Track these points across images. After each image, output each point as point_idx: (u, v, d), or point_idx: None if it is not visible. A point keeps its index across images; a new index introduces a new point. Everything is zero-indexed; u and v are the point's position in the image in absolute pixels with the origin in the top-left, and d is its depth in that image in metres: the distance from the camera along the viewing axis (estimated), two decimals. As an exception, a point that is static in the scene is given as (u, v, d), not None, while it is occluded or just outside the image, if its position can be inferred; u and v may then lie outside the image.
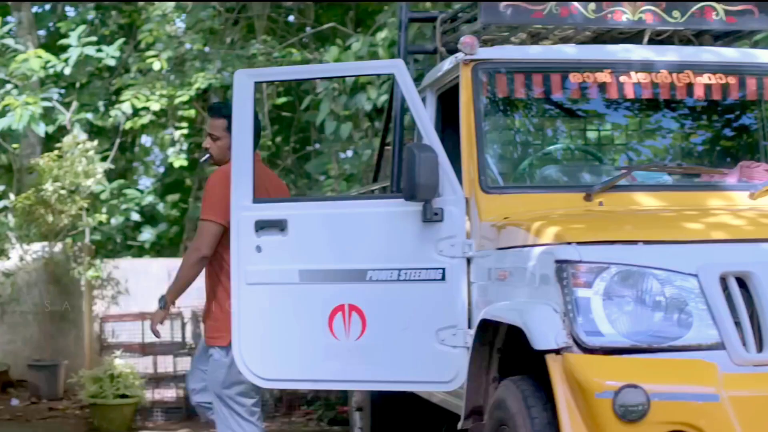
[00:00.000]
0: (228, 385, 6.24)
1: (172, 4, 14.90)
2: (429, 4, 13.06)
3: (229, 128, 6.24)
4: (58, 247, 12.29)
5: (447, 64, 6.56)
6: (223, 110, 6.36)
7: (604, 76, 6.34)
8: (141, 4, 15.37)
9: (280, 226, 6.12)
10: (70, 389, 11.71)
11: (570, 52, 6.48)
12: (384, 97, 12.26)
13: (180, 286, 6.29)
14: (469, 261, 5.88)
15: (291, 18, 17.44)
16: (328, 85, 13.10)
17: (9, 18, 17.15)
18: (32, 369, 11.88)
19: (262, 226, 6.13)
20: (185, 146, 16.10)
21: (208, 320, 6.36)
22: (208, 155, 6.47)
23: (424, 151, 5.77)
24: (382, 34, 12.61)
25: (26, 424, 10.38)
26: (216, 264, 6.28)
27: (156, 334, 6.31)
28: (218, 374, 6.25)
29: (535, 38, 6.74)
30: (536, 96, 6.42)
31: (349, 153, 15.24)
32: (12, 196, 14.24)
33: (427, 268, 5.92)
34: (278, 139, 17.06)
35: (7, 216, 14.75)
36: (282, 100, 16.49)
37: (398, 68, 6.15)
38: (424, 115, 6.06)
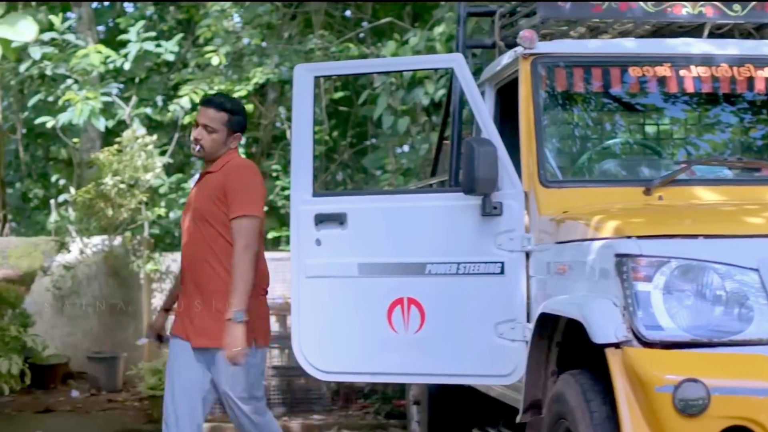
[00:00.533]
0: (254, 386, 5.74)
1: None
2: (486, -1, 13.04)
3: (229, 123, 5.78)
4: (118, 240, 12.39)
5: (506, 58, 6.56)
6: (226, 104, 5.83)
7: (663, 70, 6.32)
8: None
9: (339, 219, 6.16)
10: (129, 381, 11.81)
11: (629, 46, 6.47)
12: (441, 92, 12.26)
13: (246, 290, 5.52)
14: (527, 255, 5.89)
15: (348, 13, 17.47)
16: (385, 80, 13.12)
17: (69, 14, 17.32)
18: (92, 361, 12.00)
19: (321, 219, 6.18)
20: (243, 141, 16.17)
21: (209, 316, 5.65)
22: (198, 147, 5.78)
23: (484, 145, 5.79)
24: (439, 29, 12.60)
25: (86, 416, 10.48)
26: (219, 250, 5.66)
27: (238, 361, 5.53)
28: (246, 375, 5.68)
29: (594, 32, 6.73)
30: (595, 90, 6.41)
31: (406, 148, 15.25)
32: (72, 190, 14.39)
33: (486, 262, 5.93)
34: (335, 133, 17.10)
35: (68, 210, 14.92)
36: (339, 94, 16.51)
37: (457, 62, 6.16)
38: (483, 109, 6.07)
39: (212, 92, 14.32)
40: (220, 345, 5.51)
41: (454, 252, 5.99)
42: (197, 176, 5.97)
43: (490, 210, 5.88)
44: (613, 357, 4.69)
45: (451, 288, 5.99)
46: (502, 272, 5.91)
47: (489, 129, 5.98)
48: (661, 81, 6.33)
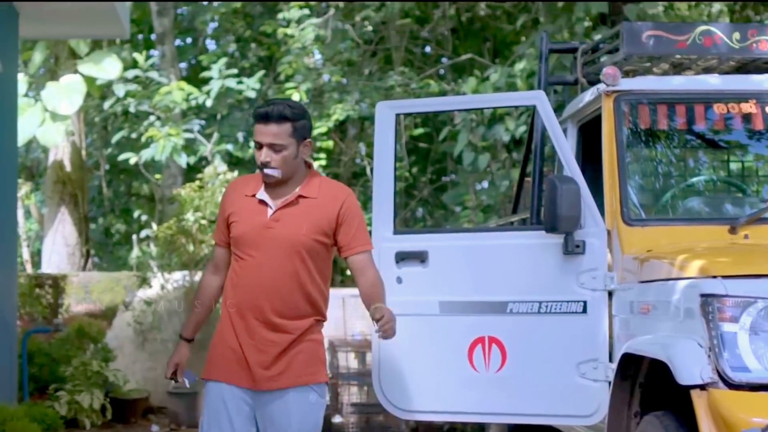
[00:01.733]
0: (320, 426, 5.11)
1: (311, 36, 15.06)
2: (567, 35, 13.01)
3: (297, 133, 4.93)
4: (198, 275, 12.46)
5: (588, 95, 6.51)
6: (286, 112, 4.92)
7: (748, 107, 6.23)
8: (280, 37, 15.56)
9: (420, 257, 6.13)
10: (209, 416, 11.82)
11: (713, 82, 6.39)
12: (522, 128, 12.23)
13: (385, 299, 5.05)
14: (610, 294, 5.82)
15: (428, 49, 17.52)
16: (466, 116, 13.12)
17: (153, 51, 17.57)
18: (172, 396, 12.04)
19: (402, 257, 6.15)
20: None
21: (295, 354, 4.99)
22: (270, 171, 4.93)
23: (566, 182, 5.75)
24: (520, 65, 12.60)
25: (166, 450, 10.52)
26: (312, 286, 5.00)
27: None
28: (316, 417, 5.05)
29: (678, 68, 6.66)
30: (679, 127, 6.34)
31: (486, 184, 15.23)
32: (154, 226, 14.51)
33: (568, 301, 5.88)
34: (415, 169, 17.12)
35: (149, 245, 15.04)
36: (419, 131, 16.55)
37: (540, 99, 6.13)
38: (565, 147, 6.03)
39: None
40: (310, 381, 4.99)
41: (536, 291, 5.94)
42: (266, 192, 5.01)
43: (573, 248, 5.82)
44: (698, 399, 4.62)
45: (533, 327, 5.94)
46: (584, 311, 5.85)
47: (571, 166, 5.94)
48: (746, 117, 6.25)
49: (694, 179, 6.46)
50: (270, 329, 4.93)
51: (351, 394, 10.46)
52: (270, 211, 4.95)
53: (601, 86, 6.18)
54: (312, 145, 5.07)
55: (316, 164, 15.65)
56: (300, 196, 4.96)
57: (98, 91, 16.29)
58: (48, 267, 16.66)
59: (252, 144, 14.03)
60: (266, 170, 4.92)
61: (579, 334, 5.86)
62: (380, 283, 5.06)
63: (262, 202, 4.97)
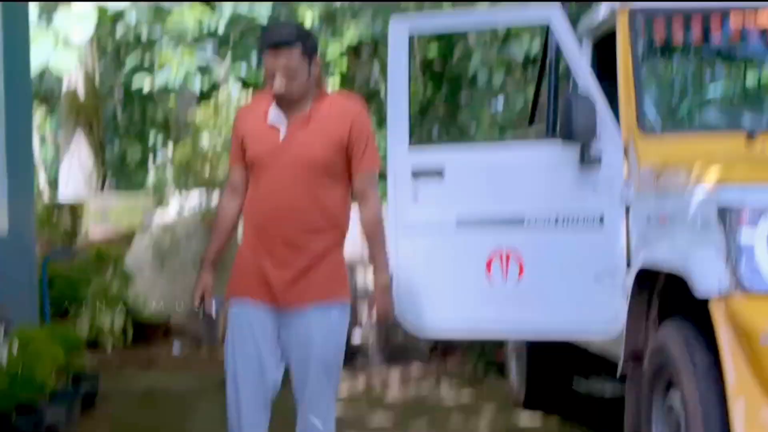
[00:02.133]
0: (342, 350, 5.09)
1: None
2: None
3: (306, 53, 4.84)
4: (215, 197, 12.48)
5: (603, 10, 6.48)
6: (293, 35, 4.82)
7: (765, 18, 6.19)
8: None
9: (437, 172, 6.13)
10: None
11: (729, -6, 6.35)
12: (537, 44, 12.17)
13: (386, 252, 5.06)
14: (627, 205, 5.83)
15: (441, -31, 17.36)
16: (480, 36, 13.04)
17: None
18: (192, 317, 12.12)
19: (418, 173, 6.15)
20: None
21: (316, 272, 4.92)
22: (283, 93, 4.84)
23: (582, 97, 5.74)
24: (534, -18, 12.49)
25: (187, 370, 10.60)
26: (330, 203, 4.94)
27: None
28: (338, 338, 5.02)
29: (694, -19, 6.61)
30: (694, 40, 6.30)
31: (501, 102, 15.18)
32: (169, 151, 14.54)
33: (585, 213, 5.89)
34: (429, 88, 17.05)
35: (166, 169, 15.07)
36: (433, 49, 16.46)
37: (555, 15, 6.10)
38: (581, 63, 6.01)
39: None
40: (334, 299, 4.95)
41: (553, 203, 5.95)
42: (277, 113, 4.93)
43: (590, 159, 5.82)
44: (716, 308, 4.64)
45: (550, 239, 5.96)
46: (601, 223, 5.86)
47: (588, 82, 5.92)
48: (763, 29, 6.21)
49: (711, 91, 6.44)
50: (290, 248, 4.89)
51: (370, 314, 10.50)
52: (282, 132, 4.91)
53: (616, 3, 6.15)
54: (320, 62, 4.99)
55: (330, 86, 15.61)
56: (311, 114, 4.91)
57: (110, 19, 16.23)
58: (65, 193, 16.72)
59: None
60: (280, 91, 4.84)
61: (596, 246, 5.87)
62: (380, 221, 5.01)
63: (274, 124, 4.94)
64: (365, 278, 10.56)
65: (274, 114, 4.92)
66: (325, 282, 4.94)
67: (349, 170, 4.95)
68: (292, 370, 4.99)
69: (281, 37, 4.79)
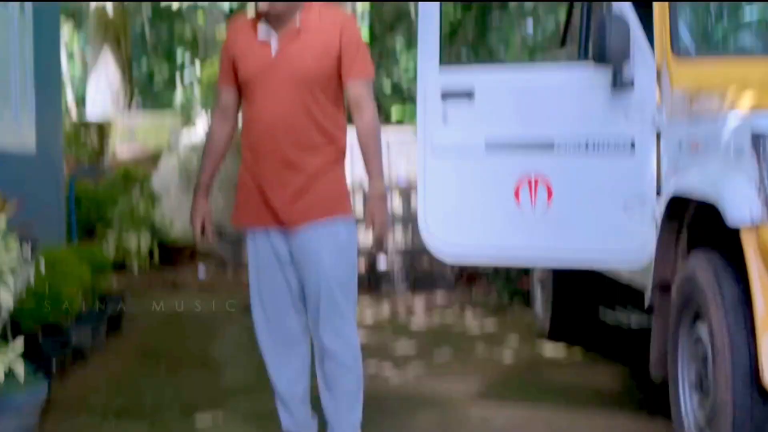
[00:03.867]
0: (354, 267, 5.07)
1: None
2: None
3: None
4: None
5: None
6: None
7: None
8: None
9: (467, 94, 6.03)
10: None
11: None
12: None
13: (382, 167, 5.01)
14: (658, 133, 5.73)
15: None
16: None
17: None
18: (218, 239, 12.13)
19: (448, 94, 6.05)
20: (366, 19, 16.09)
21: (316, 189, 4.90)
22: (267, 8, 4.79)
23: (616, 18, 5.61)
24: None
25: (213, 293, 10.64)
26: (325, 119, 4.92)
27: (382, 245, 5.12)
28: (349, 253, 4.99)
29: None
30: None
31: (531, 24, 15.05)
32: (197, 68, 14.45)
33: (616, 137, 5.78)
34: (458, 10, 16.88)
35: (193, 88, 15.01)
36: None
37: None
38: None
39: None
40: (338, 214, 4.92)
41: (584, 127, 5.85)
42: (267, 28, 4.84)
43: (622, 82, 5.70)
44: (747, 237, 4.54)
45: (580, 165, 5.86)
46: (632, 149, 5.76)
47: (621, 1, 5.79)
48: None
49: (747, 14, 6.30)
50: (288, 166, 4.86)
51: (396, 240, 10.49)
52: (274, 47, 4.85)
53: None
54: None
55: (359, 5, 15.47)
56: (301, 27, 4.84)
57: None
58: (93, 110, 16.69)
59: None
60: (262, 10, 4.79)
61: (626, 173, 5.77)
62: (374, 129, 4.95)
63: (264, 42, 4.85)
64: (391, 203, 10.51)
65: (264, 29, 4.84)
66: (326, 199, 4.92)
67: (342, 82, 4.90)
68: (306, 292, 4.97)
69: None
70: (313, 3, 4.91)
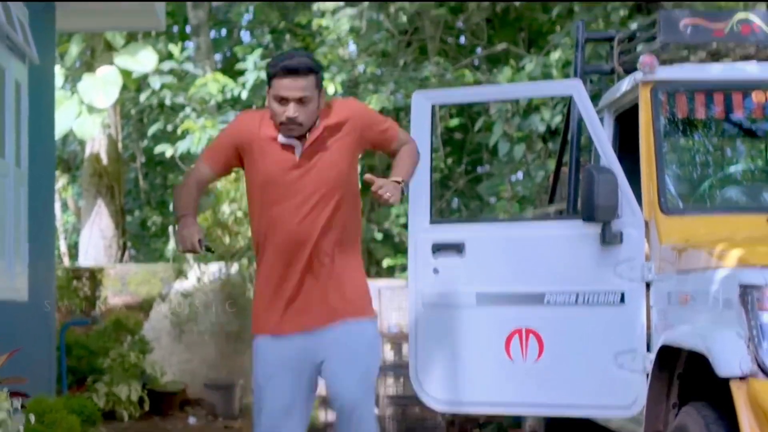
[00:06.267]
0: (377, 367, 4.99)
1: (346, 27, 15.07)
2: (603, 24, 12.95)
3: (318, 84, 4.78)
4: (235, 268, 12.48)
5: (625, 84, 6.47)
6: (309, 63, 4.76)
7: (788, 93, 6.17)
8: (315, 28, 15.58)
9: (457, 248, 6.11)
10: (245, 409, 11.87)
11: (752, 70, 6.33)
12: (558, 118, 12.19)
13: (411, 173, 5.03)
14: (648, 284, 5.78)
15: (463, 39, 17.47)
16: (501, 107, 13.08)
17: (188, 43, 17.60)
18: (208, 388, 12.08)
19: (439, 248, 6.12)
20: (358, 168, 16.24)
21: (345, 290, 4.89)
22: (294, 128, 4.77)
23: (604, 172, 5.72)
24: (555, 55, 12.56)
25: (204, 442, 10.57)
26: (351, 220, 4.96)
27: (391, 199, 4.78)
28: (377, 351, 4.95)
29: (716, 56, 6.60)
30: (716, 116, 6.28)
31: (521, 175, 15.20)
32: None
33: (606, 292, 5.84)
34: (450, 161, 17.09)
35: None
36: (454, 122, 16.51)
37: (576, 89, 6.10)
38: (603, 136, 6.00)
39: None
40: (366, 316, 4.89)
41: (574, 281, 5.91)
42: (283, 139, 4.83)
43: (611, 239, 5.78)
44: (738, 390, 4.57)
45: (571, 318, 5.91)
46: (622, 302, 5.81)
47: (609, 156, 5.91)
48: (785, 105, 6.18)
49: (733, 168, 6.41)
50: (316, 270, 4.84)
51: (387, 386, 10.45)
52: (298, 151, 4.82)
53: (638, 75, 6.13)
54: (325, 92, 4.95)
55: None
56: (321, 128, 4.83)
57: (134, 84, 16.35)
58: (85, 259, 16.75)
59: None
60: (290, 126, 4.74)
61: (617, 325, 5.82)
62: (410, 154, 5.04)
63: (285, 145, 4.81)
64: (383, 351, 10.50)
65: (282, 135, 4.79)
66: (356, 300, 4.89)
67: (385, 150, 5.05)
68: (331, 381, 4.83)
69: (300, 64, 4.72)
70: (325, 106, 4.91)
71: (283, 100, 4.72)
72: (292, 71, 4.70)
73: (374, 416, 4.91)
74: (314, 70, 4.75)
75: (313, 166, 4.81)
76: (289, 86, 4.71)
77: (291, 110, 4.71)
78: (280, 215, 4.82)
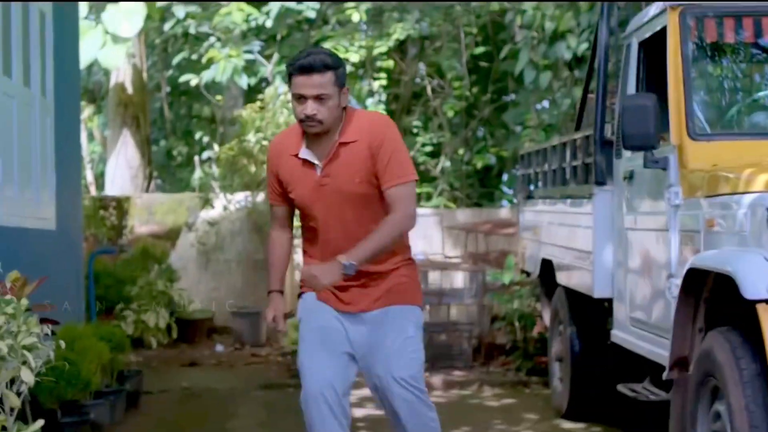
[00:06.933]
0: (422, 351, 5.00)
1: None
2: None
3: (338, 81, 4.79)
4: (260, 196, 12.50)
5: (653, 10, 6.42)
6: (327, 61, 4.76)
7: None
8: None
9: None
10: (272, 336, 11.95)
11: (782, -6, 6.27)
12: (584, 46, 12.11)
13: (374, 252, 4.82)
14: (676, 208, 5.78)
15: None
16: (527, 34, 13.01)
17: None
18: (235, 316, 12.16)
19: None
20: (383, 97, 16.21)
21: (392, 278, 4.93)
22: (315, 124, 4.77)
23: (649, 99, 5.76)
24: (583, -19, 12.44)
25: (230, 370, 10.64)
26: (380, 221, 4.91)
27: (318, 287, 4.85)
28: (421, 343, 4.96)
29: (745, -18, 6.54)
30: (745, 41, 6.23)
31: (547, 103, 15.14)
32: (216, 147, 14.57)
33: None
34: (475, 89, 17.03)
35: (211, 167, 15.12)
36: (480, 49, 16.42)
37: None
38: None
39: (354, 49, 14.33)
40: (414, 303, 4.97)
41: None
42: (307, 147, 4.86)
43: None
44: (764, 312, 4.58)
45: None
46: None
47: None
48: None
49: (761, 94, 6.37)
50: (360, 280, 4.86)
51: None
52: (318, 169, 4.84)
53: (667, 0, 6.09)
54: (348, 92, 4.92)
55: (375, 84, 15.63)
56: (341, 145, 4.82)
57: (158, 13, 16.31)
58: (111, 189, 16.81)
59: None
60: (310, 123, 4.76)
61: None
62: (394, 227, 4.84)
63: (306, 161, 4.85)
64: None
65: (305, 151, 4.83)
66: (401, 290, 4.93)
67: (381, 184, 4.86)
68: (370, 365, 4.88)
69: (315, 62, 4.74)
70: (351, 111, 4.91)
71: (301, 98, 4.76)
72: (308, 68, 4.73)
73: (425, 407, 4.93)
74: (332, 66, 4.75)
75: (332, 182, 4.82)
76: (305, 83, 4.74)
77: (309, 108, 4.74)
78: (316, 229, 4.91)
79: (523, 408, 8.66)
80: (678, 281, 5.46)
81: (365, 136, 4.83)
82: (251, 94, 15.92)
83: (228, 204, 12.73)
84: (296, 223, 5.09)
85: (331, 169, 4.82)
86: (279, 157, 4.95)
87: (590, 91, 7.71)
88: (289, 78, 4.82)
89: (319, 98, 4.73)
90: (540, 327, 9.81)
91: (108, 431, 7.36)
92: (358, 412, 8.05)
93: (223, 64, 14.67)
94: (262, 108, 12.55)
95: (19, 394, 4.93)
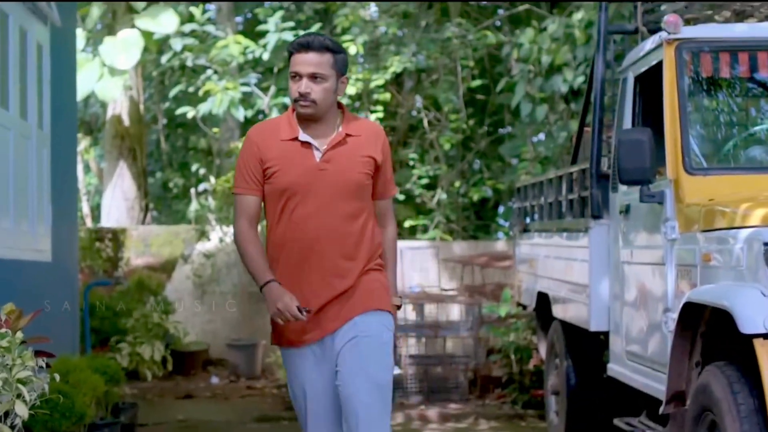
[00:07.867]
0: (391, 366, 4.85)
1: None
2: (626, -15, 12.87)
3: (337, 65, 4.70)
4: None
5: (649, 44, 6.44)
6: (327, 43, 4.69)
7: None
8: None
9: None
10: (267, 368, 11.94)
11: (776, 29, 6.30)
12: (580, 79, 12.15)
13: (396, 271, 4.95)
14: (672, 243, 5.79)
15: (484, 0, 17.41)
16: (523, 67, 13.04)
17: (209, 5, 17.58)
18: (231, 348, 12.16)
19: None
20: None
21: (359, 291, 4.74)
22: (308, 103, 4.66)
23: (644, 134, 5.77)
24: (578, 15, 12.48)
25: (225, 402, 10.62)
26: (371, 222, 4.78)
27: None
28: (390, 350, 4.81)
29: (740, 16, 6.57)
30: (741, 75, 6.25)
31: (543, 136, 15.17)
32: (212, 180, 14.57)
33: None
34: (471, 121, 17.05)
35: (207, 199, 15.12)
36: (477, 82, 16.46)
37: None
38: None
39: (351, 82, 14.34)
40: (386, 308, 4.78)
41: None
42: (306, 135, 4.71)
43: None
44: (761, 347, 4.59)
45: None
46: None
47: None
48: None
49: (756, 128, 6.38)
50: (337, 275, 4.71)
51: (409, 346, 10.49)
52: (318, 153, 4.70)
53: (663, 35, 6.10)
54: (347, 82, 4.84)
55: (372, 117, 15.65)
56: (348, 135, 4.73)
57: (155, 46, 16.35)
58: (107, 221, 16.80)
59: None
60: (303, 102, 4.64)
61: None
62: (396, 245, 4.95)
63: (305, 144, 4.71)
64: (404, 311, 10.52)
65: (304, 134, 4.70)
66: (368, 296, 4.75)
67: (373, 192, 4.82)
68: (344, 383, 4.69)
69: (313, 41, 4.67)
70: (347, 111, 4.84)
71: (296, 76, 4.67)
72: (305, 46, 4.65)
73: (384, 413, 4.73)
74: (331, 49, 4.68)
75: (333, 168, 4.70)
76: (301, 61, 4.66)
77: (303, 85, 4.64)
78: (298, 220, 4.72)
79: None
80: (674, 315, 5.46)
81: (370, 134, 4.79)
82: (248, 126, 15.92)
83: (224, 236, 12.73)
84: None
85: (334, 155, 4.70)
86: (265, 140, 4.75)
87: (586, 124, 7.73)
88: (289, 58, 4.72)
89: (314, 77, 4.64)
90: (536, 360, 9.81)
91: (102, 464, 7.33)
92: None
93: (220, 97, 14.70)
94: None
95: (13, 427, 4.90)
